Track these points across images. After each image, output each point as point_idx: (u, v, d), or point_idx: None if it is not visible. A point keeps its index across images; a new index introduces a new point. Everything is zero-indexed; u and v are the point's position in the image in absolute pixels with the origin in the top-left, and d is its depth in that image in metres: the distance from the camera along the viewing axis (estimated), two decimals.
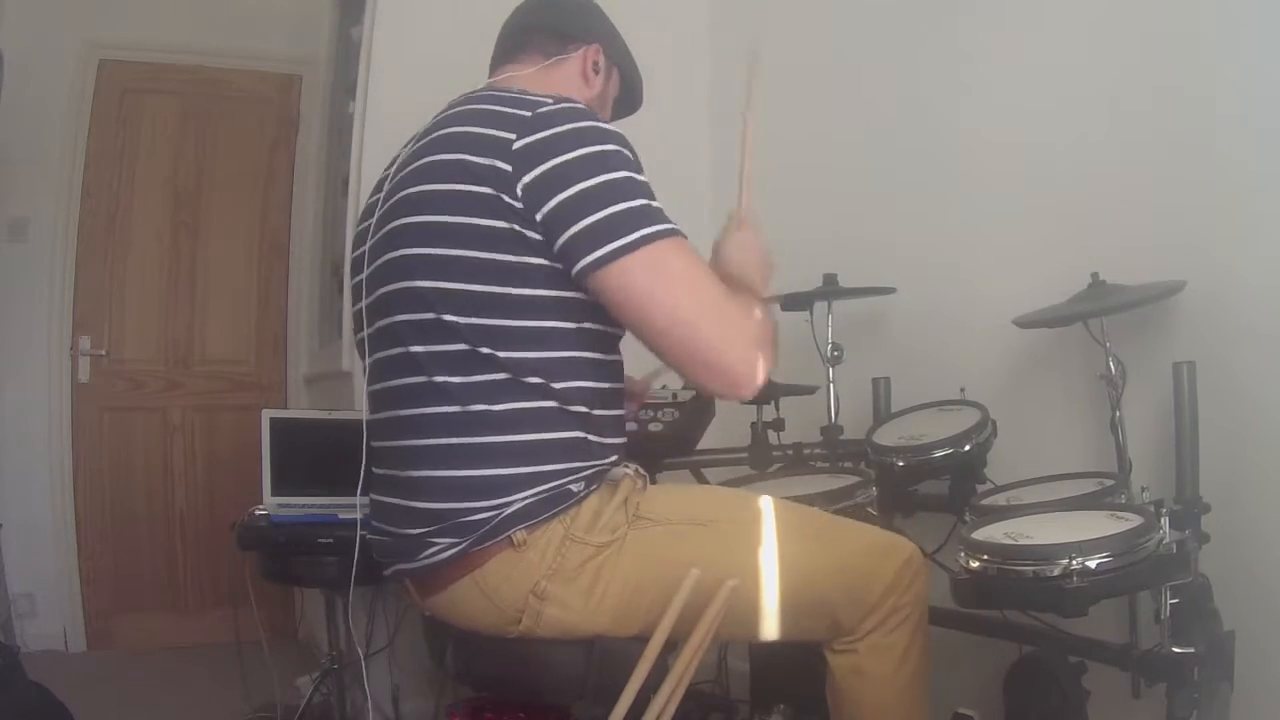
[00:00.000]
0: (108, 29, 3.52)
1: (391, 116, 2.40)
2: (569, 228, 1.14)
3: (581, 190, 1.14)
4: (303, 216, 3.72)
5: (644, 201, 1.16)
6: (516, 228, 1.15)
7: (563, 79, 1.39)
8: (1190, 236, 1.61)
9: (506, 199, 1.14)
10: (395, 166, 1.30)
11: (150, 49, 3.60)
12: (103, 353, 3.53)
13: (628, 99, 1.55)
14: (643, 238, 1.13)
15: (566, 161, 1.15)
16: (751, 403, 1.95)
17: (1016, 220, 1.96)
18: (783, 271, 2.01)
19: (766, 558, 1.22)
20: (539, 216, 1.14)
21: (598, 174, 1.15)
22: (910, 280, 2.07)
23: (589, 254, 1.13)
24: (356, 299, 1.34)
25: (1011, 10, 2.00)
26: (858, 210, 2.34)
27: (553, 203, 1.14)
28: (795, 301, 1.97)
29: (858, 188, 2.36)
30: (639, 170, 1.19)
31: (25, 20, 3.34)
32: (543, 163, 1.14)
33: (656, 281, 1.14)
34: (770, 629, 1.25)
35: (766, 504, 1.28)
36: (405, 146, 1.32)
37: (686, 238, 1.18)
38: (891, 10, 2.30)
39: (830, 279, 1.98)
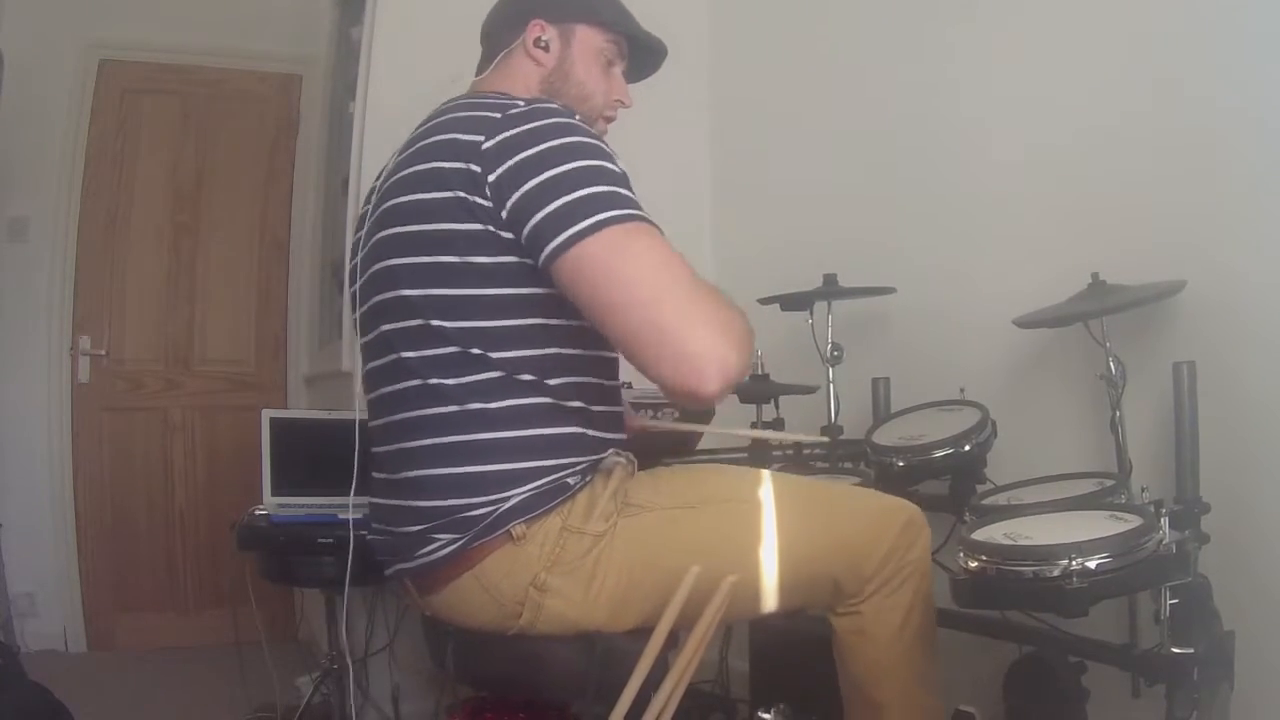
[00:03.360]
0: (108, 29, 3.52)
1: (391, 116, 2.39)
2: (531, 217, 1.11)
3: (544, 180, 1.11)
4: (303, 216, 3.72)
5: (610, 188, 1.12)
6: (491, 229, 1.14)
7: (514, 68, 1.37)
8: (1190, 236, 1.61)
9: (478, 200, 1.14)
10: (382, 178, 1.31)
11: (150, 49, 3.60)
12: (103, 353, 3.53)
13: (637, 48, 1.43)
14: (604, 220, 1.09)
15: (531, 155, 1.13)
16: (749, 402, 1.95)
17: (1016, 220, 1.96)
18: (783, 271, 2.03)
19: (762, 536, 1.22)
20: (504, 213, 1.13)
21: (562, 163, 1.12)
22: (910, 280, 2.07)
23: (550, 241, 1.10)
24: (353, 308, 1.35)
25: (1011, 10, 2.00)
26: (858, 210, 2.34)
27: (516, 195, 1.12)
28: (795, 301, 1.98)
29: (858, 188, 2.36)
30: (608, 159, 1.15)
31: (25, 20, 3.34)
32: (509, 159, 1.13)
33: (616, 259, 1.08)
34: (772, 604, 1.25)
35: (760, 479, 1.28)
36: (391, 158, 1.33)
37: (659, 229, 1.13)
38: (891, 10, 2.30)
39: (830, 279, 1.98)
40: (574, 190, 1.10)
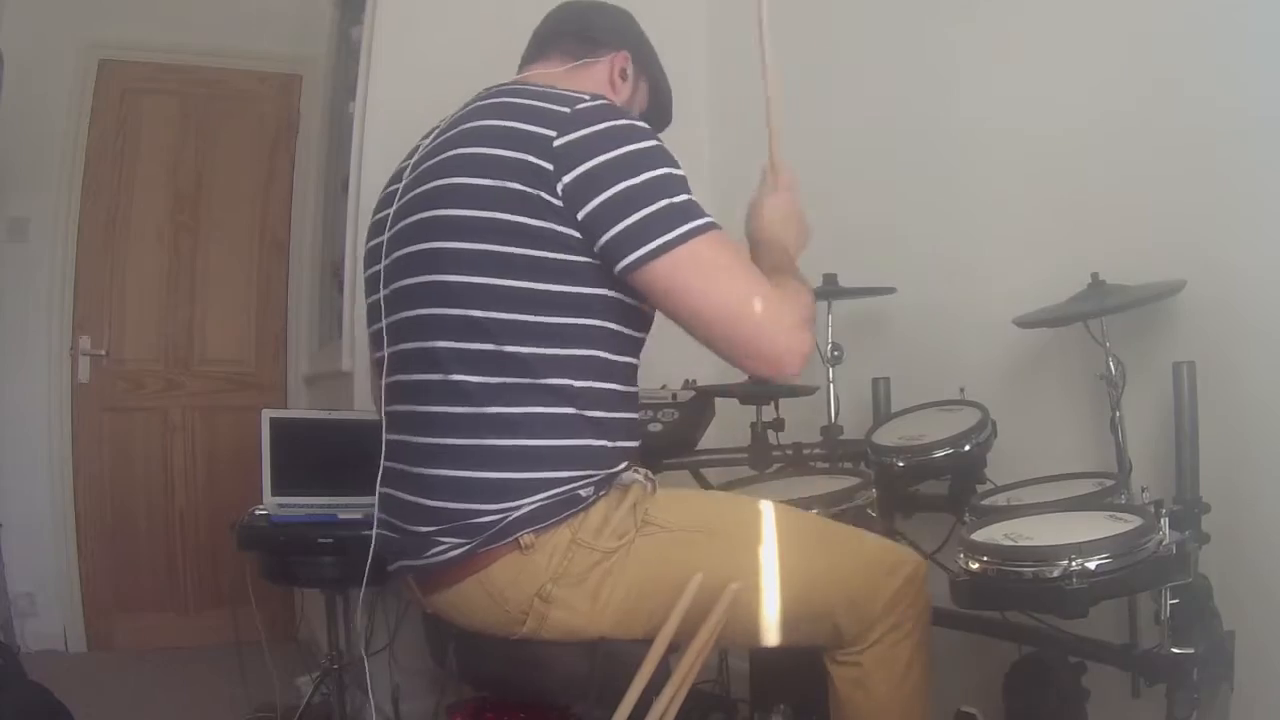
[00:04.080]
0: (108, 29, 3.52)
1: (391, 116, 2.40)
2: (612, 226, 1.15)
3: (624, 190, 1.15)
4: (303, 216, 3.72)
5: (685, 197, 1.18)
6: (554, 226, 1.15)
7: (590, 82, 1.38)
8: (1190, 236, 1.61)
9: (546, 197, 1.14)
10: (417, 157, 1.29)
11: (150, 49, 3.60)
12: (103, 353, 3.53)
13: (656, 113, 1.53)
14: (687, 233, 1.15)
15: (607, 161, 1.15)
16: (749, 403, 1.95)
17: (1016, 220, 1.96)
18: None
19: (771, 566, 1.22)
20: (580, 216, 1.15)
21: (639, 172, 1.16)
22: (910, 280, 2.07)
23: (634, 251, 1.15)
24: (373, 290, 1.32)
25: (1011, 10, 2.00)
26: (858, 210, 2.34)
27: (595, 203, 1.14)
28: None
29: (858, 187, 2.35)
30: (675, 164, 1.20)
31: (25, 20, 3.34)
32: (584, 162, 1.15)
33: (702, 276, 1.17)
34: (773, 636, 1.25)
35: (772, 511, 1.28)
36: (426, 137, 1.31)
37: (723, 229, 1.20)
38: (891, 9, 2.30)
39: (830, 279, 1.98)
40: (652, 202, 1.16)
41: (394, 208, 1.28)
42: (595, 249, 1.16)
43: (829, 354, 1.98)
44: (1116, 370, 1.56)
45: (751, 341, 1.18)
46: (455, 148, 1.21)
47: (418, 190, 1.24)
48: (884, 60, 2.31)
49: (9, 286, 3.41)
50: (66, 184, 3.49)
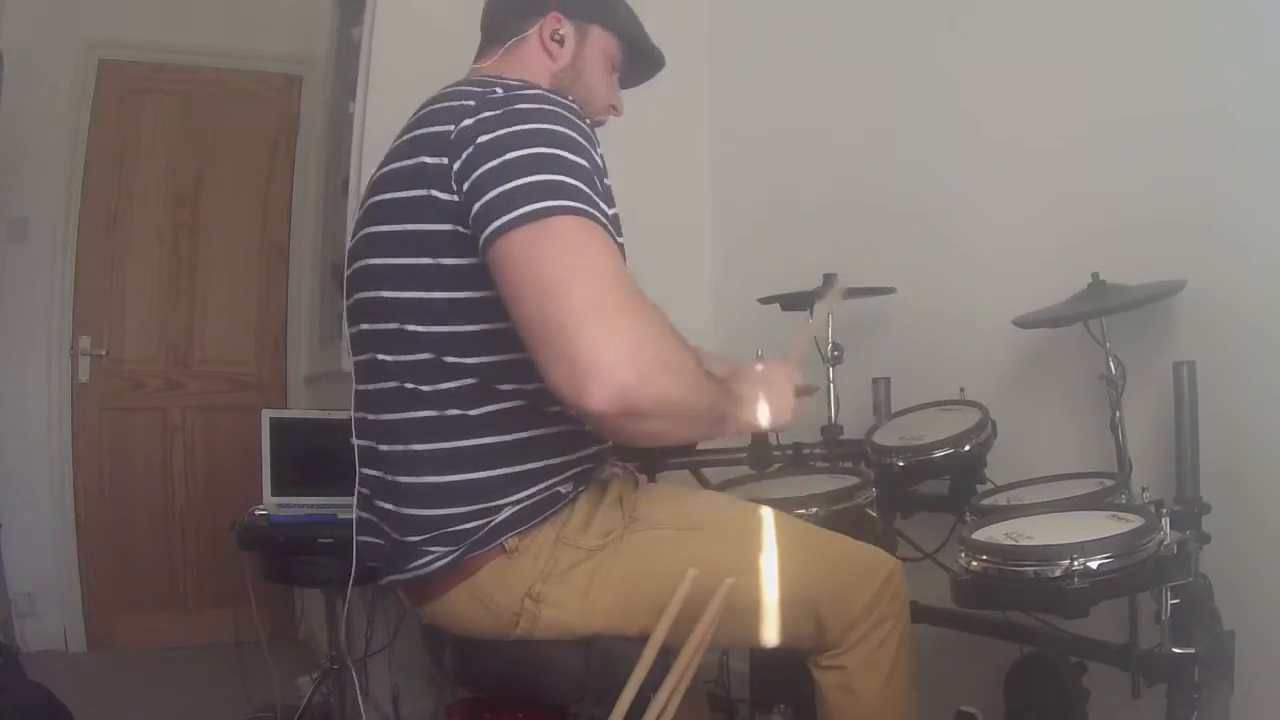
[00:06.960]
0: (108, 29, 3.53)
1: (391, 116, 2.37)
2: (478, 199, 1.05)
3: (491, 166, 1.05)
4: (303, 216, 3.73)
5: (560, 177, 1.03)
6: (458, 229, 1.09)
7: (524, 58, 1.32)
8: (1190, 236, 1.61)
9: (446, 196, 1.09)
10: (376, 173, 1.28)
11: (150, 49, 3.61)
12: (103, 353, 3.53)
13: (634, 54, 1.41)
14: (541, 210, 1.00)
15: (489, 140, 1.07)
16: None
17: (1016, 220, 1.96)
18: (783, 271, 2.02)
19: (760, 564, 1.23)
20: (459, 197, 1.07)
21: (516, 149, 1.05)
22: (910, 280, 2.07)
23: (487, 226, 1.03)
24: (343, 299, 1.32)
25: (1011, 9, 2.00)
26: (858, 210, 2.34)
27: (473, 177, 1.06)
28: (795, 301, 1.97)
29: (858, 187, 2.36)
30: (573, 150, 1.08)
31: (25, 20, 3.34)
32: (469, 145, 1.07)
33: (538, 253, 0.99)
34: (757, 633, 1.25)
35: (761, 512, 1.29)
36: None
37: (605, 226, 1.05)
38: (891, 10, 2.30)
39: (830, 279, 1.98)
40: (522, 176, 1.03)
41: (357, 221, 1.27)
42: (469, 221, 1.06)
43: (829, 354, 1.97)
44: (1116, 370, 1.56)
45: (564, 330, 0.94)
46: (392, 162, 1.19)
47: (366, 206, 1.23)
48: (884, 60, 2.31)
49: (9, 286, 3.41)
50: (66, 184, 3.49)
